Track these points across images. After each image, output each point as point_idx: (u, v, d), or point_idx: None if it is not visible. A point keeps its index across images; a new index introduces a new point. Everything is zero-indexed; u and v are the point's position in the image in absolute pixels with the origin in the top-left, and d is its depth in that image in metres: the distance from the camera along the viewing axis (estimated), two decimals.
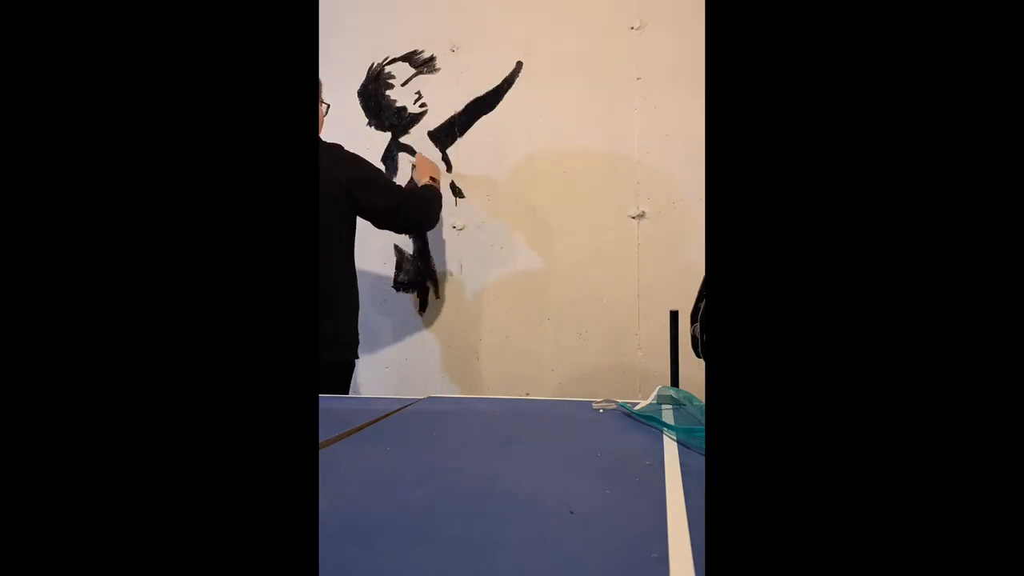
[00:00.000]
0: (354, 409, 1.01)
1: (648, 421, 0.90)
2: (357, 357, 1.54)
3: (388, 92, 1.84)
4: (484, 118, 1.77)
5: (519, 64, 1.74)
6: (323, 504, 0.52)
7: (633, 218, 1.66)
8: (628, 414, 0.97)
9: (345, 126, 1.85)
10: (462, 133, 1.78)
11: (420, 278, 1.83)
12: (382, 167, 1.84)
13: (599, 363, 1.69)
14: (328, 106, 1.59)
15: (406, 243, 1.84)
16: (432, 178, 1.66)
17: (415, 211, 1.55)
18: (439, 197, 1.65)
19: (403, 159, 1.83)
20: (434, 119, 1.81)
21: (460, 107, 1.78)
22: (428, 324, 1.83)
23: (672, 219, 1.64)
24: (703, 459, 0.59)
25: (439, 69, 1.80)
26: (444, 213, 1.79)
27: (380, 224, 1.56)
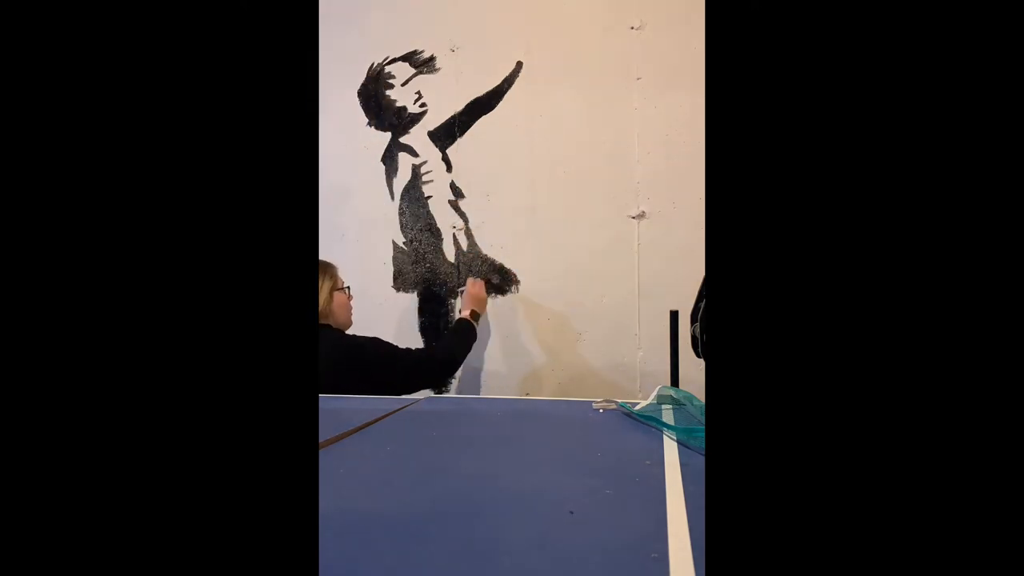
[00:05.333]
0: (354, 409, 1.01)
1: (648, 421, 0.90)
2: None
3: (388, 92, 1.84)
4: (484, 118, 1.77)
5: (519, 64, 1.74)
6: (323, 504, 0.52)
7: (633, 218, 1.66)
8: (628, 414, 0.97)
9: (345, 126, 1.85)
10: (462, 133, 1.78)
11: (420, 278, 1.83)
12: (382, 167, 1.84)
13: (599, 363, 1.69)
14: (349, 287, 1.52)
15: (406, 243, 1.84)
16: (473, 312, 1.62)
17: (434, 369, 1.51)
18: (470, 336, 1.58)
19: (403, 159, 1.83)
20: (434, 119, 1.81)
21: (460, 107, 1.78)
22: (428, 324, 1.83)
23: (672, 219, 1.64)
24: (703, 459, 0.59)
25: (439, 69, 1.80)
26: (445, 213, 1.79)
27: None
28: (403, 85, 1.83)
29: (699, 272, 1.31)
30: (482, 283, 1.69)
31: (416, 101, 1.82)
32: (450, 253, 1.80)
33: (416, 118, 1.82)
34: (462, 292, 1.72)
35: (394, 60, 1.84)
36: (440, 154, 1.81)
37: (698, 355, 1.10)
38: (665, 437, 0.80)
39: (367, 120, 1.86)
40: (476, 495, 0.58)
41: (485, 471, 0.67)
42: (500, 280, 1.75)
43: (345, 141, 1.86)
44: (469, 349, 1.58)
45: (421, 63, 1.81)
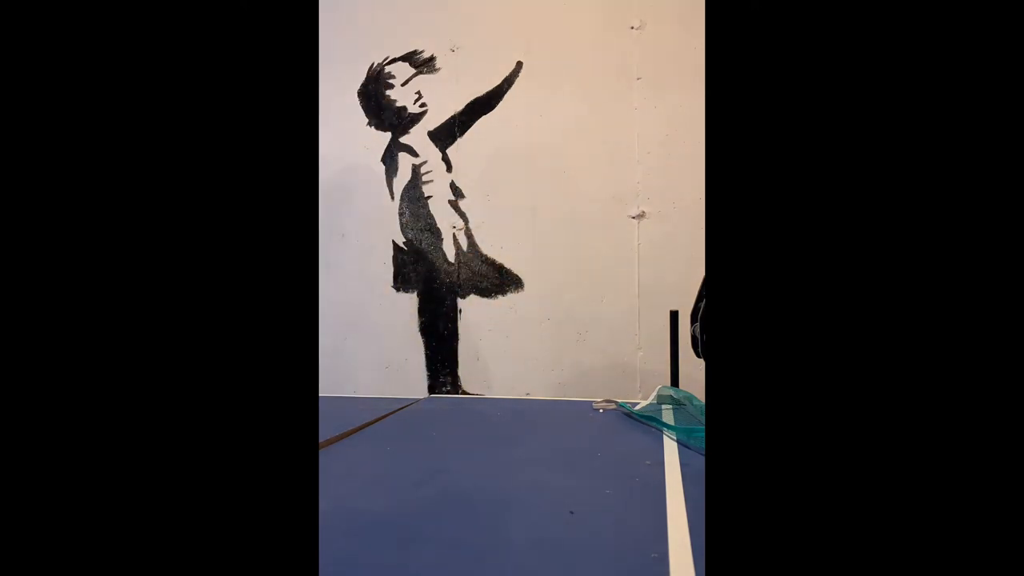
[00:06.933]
0: (354, 409, 1.01)
1: (648, 421, 0.90)
2: None
3: (388, 92, 1.84)
4: (484, 118, 1.77)
5: (519, 64, 1.74)
6: (323, 504, 0.52)
7: (633, 218, 1.66)
8: (628, 414, 0.97)
9: (345, 126, 1.85)
10: (462, 133, 1.78)
11: (420, 278, 1.83)
12: (382, 167, 1.84)
13: (599, 363, 1.69)
14: None
15: (406, 243, 1.84)
16: None
17: None
18: None
19: (403, 159, 1.83)
20: (434, 119, 1.81)
21: (460, 107, 1.78)
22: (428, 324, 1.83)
23: (672, 219, 1.64)
24: (703, 459, 0.59)
25: (439, 69, 1.80)
26: (445, 213, 1.79)
27: None
28: (403, 85, 1.83)
29: (699, 272, 1.30)
30: None
31: (416, 101, 1.82)
32: (450, 253, 1.80)
33: (416, 118, 1.82)
34: None
35: (394, 60, 1.84)
36: (440, 154, 1.81)
37: (698, 355, 1.10)
38: (665, 437, 0.80)
39: (367, 120, 1.86)
40: (476, 495, 0.58)
41: (485, 471, 0.67)
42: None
43: (345, 141, 1.86)
44: None
45: (421, 63, 1.81)
